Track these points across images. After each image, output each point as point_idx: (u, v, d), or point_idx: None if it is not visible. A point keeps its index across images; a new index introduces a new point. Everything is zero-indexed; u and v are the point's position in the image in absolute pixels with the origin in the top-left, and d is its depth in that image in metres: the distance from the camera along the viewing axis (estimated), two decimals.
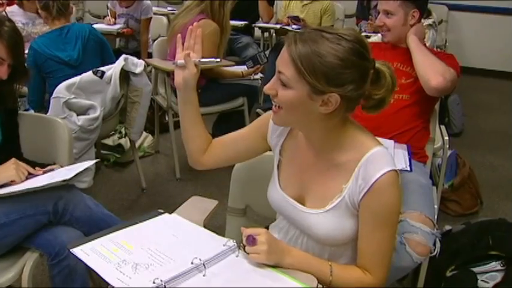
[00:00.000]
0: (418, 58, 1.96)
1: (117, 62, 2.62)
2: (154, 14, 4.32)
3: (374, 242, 1.15)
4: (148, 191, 3.13)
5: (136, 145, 3.68)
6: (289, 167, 1.29)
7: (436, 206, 1.95)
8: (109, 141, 3.54)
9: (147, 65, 3.11)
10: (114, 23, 4.13)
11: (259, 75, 3.35)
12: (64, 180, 1.64)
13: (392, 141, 1.85)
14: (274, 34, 4.81)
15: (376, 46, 2.19)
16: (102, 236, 1.22)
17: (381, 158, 1.12)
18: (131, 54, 2.80)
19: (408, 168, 1.63)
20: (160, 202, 2.99)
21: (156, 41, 3.47)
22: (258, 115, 2.16)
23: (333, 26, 4.21)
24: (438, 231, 1.71)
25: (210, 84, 3.20)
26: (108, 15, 4.23)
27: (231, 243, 1.20)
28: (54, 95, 2.46)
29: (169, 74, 3.05)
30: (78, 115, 2.51)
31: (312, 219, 1.19)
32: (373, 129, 1.94)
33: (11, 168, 1.65)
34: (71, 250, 1.16)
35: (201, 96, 3.10)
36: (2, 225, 1.62)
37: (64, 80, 2.51)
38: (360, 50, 1.08)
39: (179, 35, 1.33)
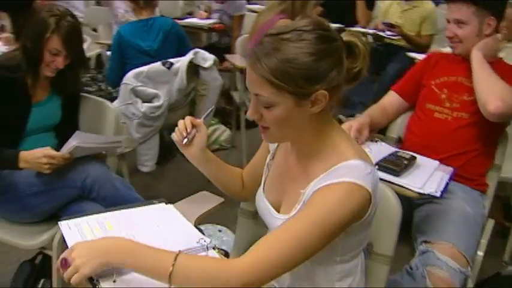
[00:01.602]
0: (477, 78, 1.72)
1: (186, 55, 2.70)
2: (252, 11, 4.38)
3: (283, 229, 0.99)
4: (212, 183, 3.17)
5: (213, 138, 3.78)
6: (274, 170, 1.23)
7: (483, 241, 1.71)
8: None
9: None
10: (208, 18, 4.26)
11: None
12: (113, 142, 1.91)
13: (436, 163, 1.68)
14: (370, 39, 4.61)
15: (444, 57, 1.99)
16: (96, 214, 1.27)
17: (352, 169, 1.01)
18: (223, 50, 2.90)
19: (437, 194, 1.46)
20: (220, 195, 3.02)
21: (239, 38, 3.51)
22: (340, 121, 2.07)
23: (433, 35, 3.92)
24: (468, 270, 1.50)
25: None
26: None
27: (205, 242, 1.17)
28: (123, 81, 2.60)
29: (242, 71, 3.07)
30: (143, 102, 2.63)
31: (279, 224, 1.11)
32: (424, 147, 1.81)
33: (43, 162, 1.71)
34: (58, 222, 1.22)
35: None
36: (40, 193, 1.77)
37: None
38: (325, 35, 1.00)
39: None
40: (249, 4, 4.79)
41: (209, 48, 3.02)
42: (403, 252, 1.73)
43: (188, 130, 1.21)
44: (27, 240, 1.77)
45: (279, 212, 1.16)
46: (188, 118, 1.23)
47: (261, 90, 1.00)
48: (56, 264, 1.03)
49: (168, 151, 3.53)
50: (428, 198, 1.61)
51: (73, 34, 1.81)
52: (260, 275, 0.93)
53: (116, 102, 2.80)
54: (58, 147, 1.80)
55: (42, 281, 1.93)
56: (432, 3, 3.97)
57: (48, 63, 1.81)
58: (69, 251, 0.98)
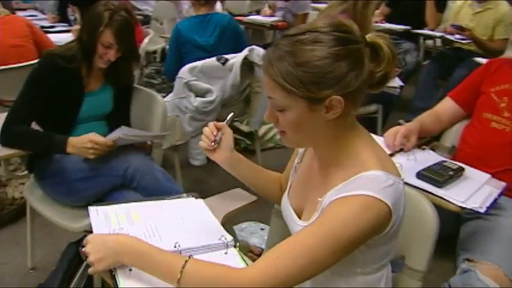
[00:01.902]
0: None
1: (241, 52, 2.70)
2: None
3: (295, 239, 0.96)
4: None
5: (269, 136, 3.77)
6: (300, 175, 1.20)
7: None
8: (243, 128, 3.68)
9: None
10: (272, 16, 4.25)
11: (398, 83, 3.11)
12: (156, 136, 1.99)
13: (488, 176, 1.57)
14: (438, 43, 4.41)
15: (507, 62, 1.85)
16: (126, 203, 1.30)
17: (371, 180, 0.95)
18: None
19: (481, 210, 1.36)
20: (254, 193, 3.00)
21: None
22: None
23: (507, 39, 3.67)
24: None
25: None
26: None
27: (227, 239, 1.16)
28: (178, 74, 2.65)
29: None
30: (196, 96, 2.66)
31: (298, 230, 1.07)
32: (477, 158, 1.70)
33: (88, 147, 1.78)
34: (88, 207, 1.26)
35: None
36: (85, 178, 1.84)
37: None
38: (342, 37, 0.95)
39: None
40: (314, 3, 4.73)
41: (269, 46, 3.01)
42: (446, 268, 1.64)
43: (214, 133, 1.20)
44: (74, 222, 1.84)
45: (300, 218, 1.13)
46: (212, 123, 1.22)
47: (274, 94, 0.98)
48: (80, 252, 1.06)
49: None
50: (476, 214, 1.50)
51: (125, 28, 1.86)
52: (269, 286, 0.91)
53: (170, 95, 2.86)
54: None
55: (85, 263, 2.01)
56: (507, 4, 3.72)
57: (101, 55, 1.87)
58: (85, 242, 1.02)
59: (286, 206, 1.18)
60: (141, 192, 1.80)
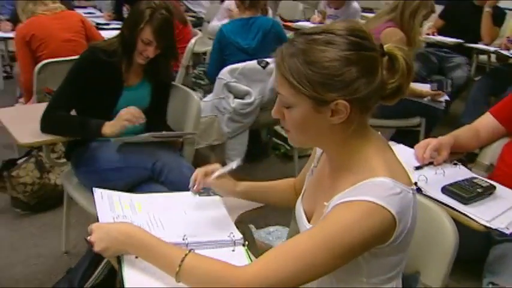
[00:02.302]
0: None
1: None
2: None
3: (295, 241, 0.94)
4: None
5: None
6: (313, 179, 1.18)
7: None
8: (283, 133, 3.68)
9: None
10: (321, 22, 4.23)
11: (444, 97, 3.02)
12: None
13: None
14: (493, 59, 4.24)
15: None
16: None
17: (377, 187, 0.93)
18: None
19: (508, 231, 1.30)
20: None
21: None
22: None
23: None
24: None
25: None
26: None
27: (235, 237, 1.17)
28: (219, 75, 2.69)
29: None
30: (234, 98, 2.69)
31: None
32: None
33: (123, 118, 1.87)
34: (93, 188, 1.30)
35: (377, 108, 3.03)
36: (116, 169, 1.92)
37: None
38: (356, 42, 0.94)
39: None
40: (365, 12, 4.67)
41: None
42: None
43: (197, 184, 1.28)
44: None
45: (310, 221, 1.12)
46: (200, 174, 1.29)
47: (282, 89, 0.98)
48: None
49: (262, 150, 3.58)
50: (508, 237, 1.44)
51: (165, 27, 1.91)
52: (265, 286, 0.90)
53: (210, 96, 2.91)
54: (144, 132, 1.93)
55: None
56: None
57: (141, 52, 1.93)
58: (90, 231, 1.05)
59: (299, 209, 1.18)
60: (168, 186, 1.84)
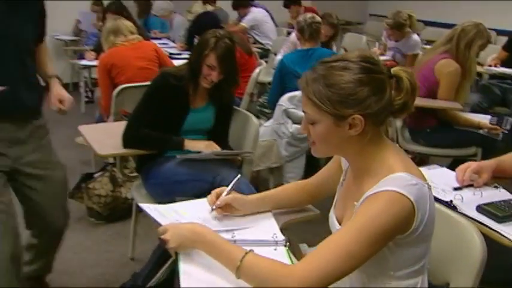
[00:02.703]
0: None
1: None
2: None
3: (332, 238, 1.08)
4: None
5: None
6: (343, 190, 1.33)
7: None
8: None
9: None
10: (381, 54, 4.34)
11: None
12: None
13: None
14: None
15: None
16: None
17: (395, 180, 1.08)
18: None
19: None
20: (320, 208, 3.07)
21: None
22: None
23: None
24: None
25: (440, 127, 3.09)
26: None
27: (278, 238, 1.32)
28: (279, 102, 2.88)
29: None
30: (293, 123, 2.86)
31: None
32: None
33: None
34: (139, 204, 1.50)
35: (431, 136, 3.10)
36: (180, 182, 2.13)
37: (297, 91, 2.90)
38: (367, 67, 1.11)
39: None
40: (426, 44, 4.73)
41: None
42: None
43: (214, 201, 1.43)
44: None
45: (340, 224, 1.26)
46: (213, 192, 1.46)
47: (307, 108, 1.16)
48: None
49: None
50: None
51: (227, 54, 2.13)
52: (315, 280, 1.04)
53: (270, 121, 3.10)
54: None
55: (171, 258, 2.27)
56: None
57: (205, 76, 2.16)
58: (162, 229, 1.24)
59: (332, 217, 1.32)
60: None
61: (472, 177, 1.68)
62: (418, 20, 7.06)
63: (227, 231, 1.34)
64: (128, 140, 2.18)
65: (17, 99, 1.72)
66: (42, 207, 1.92)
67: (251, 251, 1.13)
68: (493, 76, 4.09)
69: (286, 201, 1.53)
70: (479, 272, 1.24)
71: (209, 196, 1.46)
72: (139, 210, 2.43)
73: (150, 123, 2.19)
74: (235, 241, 1.28)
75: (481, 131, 2.98)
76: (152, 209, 1.48)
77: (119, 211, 3.06)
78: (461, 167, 1.73)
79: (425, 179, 1.14)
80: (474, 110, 3.65)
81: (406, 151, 3.11)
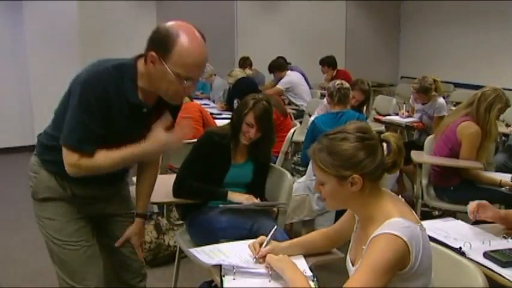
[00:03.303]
0: None
1: None
2: None
3: (351, 279, 1.33)
4: None
5: None
6: (355, 235, 1.58)
7: None
8: None
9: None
10: (409, 116, 4.58)
11: None
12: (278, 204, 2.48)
13: None
14: None
15: None
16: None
17: (391, 224, 1.33)
18: (422, 147, 3.37)
19: None
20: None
21: (428, 138, 3.73)
22: None
23: None
24: None
25: (464, 184, 3.27)
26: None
27: (307, 274, 1.56)
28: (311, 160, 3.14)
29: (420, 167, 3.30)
30: None
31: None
32: None
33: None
34: (187, 249, 1.76)
35: (454, 194, 3.29)
36: (222, 228, 2.38)
37: None
38: (361, 136, 1.40)
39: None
40: (454, 106, 4.95)
41: (409, 144, 3.35)
42: None
43: (257, 251, 1.69)
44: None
45: (353, 265, 1.51)
46: (256, 242, 1.74)
47: (316, 172, 1.46)
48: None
49: None
50: None
51: (264, 114, 2.46)
52: None
53: (303, 177, 3.36)
54: None
55: None
56: None
57: (245, 133, 2.47)
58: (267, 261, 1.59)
59: (348, 261, 1.57)
60: None
61: (475, 208, 1.99)
62: (448, 82, 7.39)
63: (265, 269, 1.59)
64: (178, 190, 2.48)
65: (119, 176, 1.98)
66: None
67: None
68: None
69: (311, 246, 1.78)
70: None
71: (251, 245, 1.73)
72: (182, 256, 2.71)
73: (197, 176, 2.49)
74: (270, 275, 1.53)
75: (502, 189, 3.14)
76: (200, 251, 1.75)
77: (162, 257, 3.33)
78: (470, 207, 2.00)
79: (418, 221, 1.38)
80: (500, 170, 3.79)
81: (432, 208, 3.32)
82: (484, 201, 2.03)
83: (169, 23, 1.63)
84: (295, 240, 1.82)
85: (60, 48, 6.42)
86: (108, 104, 1.66)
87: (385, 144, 1.46)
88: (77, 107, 1.66)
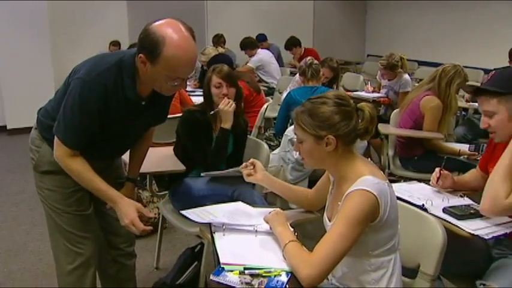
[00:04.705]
0: (496, 170, 1.86)
1: None
2: None
3: (329, 232, 1.50)
4: None
5: None
6: (331, 195, 1.75)
7: None
8: None
9: None
10: (375, 92, 4.81)
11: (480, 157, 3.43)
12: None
13: (507, 218, 1.88)
14: None
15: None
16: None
17: (363, 181, 1.49)
18: (388, 122, 3.54)
19: (487, 237, 1.74)
20: None
21: (393, 112, 3.95)
22: None
23: None
24: None
25: (427, 154, 3.52)
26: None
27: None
28: (285, 132, 3.32)
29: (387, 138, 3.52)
30: None
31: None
32: None
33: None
34: (181, 211, 1.94)
35: (418, 163, 3.48)
36: (204, 196, 2.52)
37: None
38: (338, 102, 1.57)
39: None
40: (418, 83, 5.20)
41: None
42: None
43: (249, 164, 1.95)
44: (191, 227, 2.47)
45: (330, 221, 1.67)
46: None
47: (297, 131, 1.63)
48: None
49: None
50: (504, 253, 1.89)
51: (227, 71, 2.68)
52: (327, 262, 1.44)
53: (277, 149, 3.53)
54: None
55: (195, 263, 2.66)
56: None
57: (217, 95, 2.66)
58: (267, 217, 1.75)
59: (324, 218, 1.73)
60: None
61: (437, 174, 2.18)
62: (413, 60, 7.67)
63: (250, 225, 1.75)
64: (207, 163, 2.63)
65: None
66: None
67: (294, 240, 1.56)
68: (477, 111, 4.52)
69: (290, 192, 2.00)
70: (441, 253, 1.64)
71: (245, 164, 2.03)
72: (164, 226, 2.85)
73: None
74: (256, 231, 1.70)
75: (461, 158, 3.40)
76: (190, 213, 1.90)
77: None
78: (434, 174, 2.19)
79: (385, 179, 1.56)
80: (460, 141, 4.07)
81: (399, 177, 3.55)
82: (446, 171, 2.20)
83: (157, 24, 1.66)
84: (282, 182, 2.04)
85: (30, 30, 6.36)
86: (108, 103, 1.76)
87: (360, 113, 1.61)
88: (76, 107, 1.75)
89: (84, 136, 1.82)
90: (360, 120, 1.60)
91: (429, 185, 2.32)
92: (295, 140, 1.67)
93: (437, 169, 2.22)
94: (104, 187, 1.87)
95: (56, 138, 1.83)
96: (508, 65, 4.98)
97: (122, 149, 2.15)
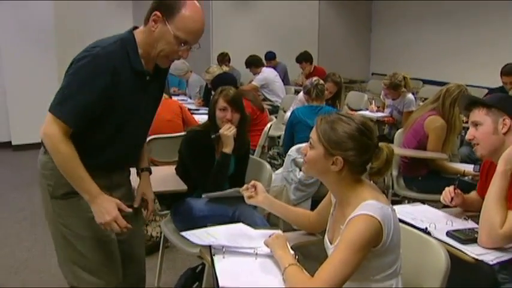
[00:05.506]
0: (487, 197, 1.86)
1: None
2: None
3: (331, 256, 1.46)
4: None
5: None
6: (332, 219, 1.73)
7: None
8: None
9: None
10: (380, 111, 4.80)
11: None
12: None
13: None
14: None
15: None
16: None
17: (367, 206, 1.47)
18: (392, 141, 3.52)
19: (491, 263, 1.71)
20: None
21: (397, 131, 3.95)
22: None
23: None
24: None
25: (431, 174, 3.49)
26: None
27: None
28: (288, 152, 3.31)
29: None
30: (300, 171, 3.27)
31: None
32: None
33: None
34: (181, 233, 1.92)
35: (422, 183, 3.45)
36: (205, 217, 2.51)
37: (305, 142, 3.35)
38: (362, 130, 1.54)
39: None
40: (423, 102, 5.19)
41: (380, 138, 3.50)
42: None
43: (250, 187, 1.95)
44: (192, 248, 2.45)
45: (331, 244, 1.65)
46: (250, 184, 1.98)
47: (313, 135, 1.60)
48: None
49: None
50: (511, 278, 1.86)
51: (234, 95, 2.66)
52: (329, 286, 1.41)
53: (281, 169, 3.52)
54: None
55: (196, 283, 2.63)
56: None
57: (221, 119, 2.64)
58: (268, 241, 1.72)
59: (325, 240, 1.71)
60: None
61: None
62: (417, 79, 7.67)
63: (251, 248, 1.73)
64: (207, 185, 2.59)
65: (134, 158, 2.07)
66: None
67: (295, 264, 1.53)
68: None
69: (292, 219, 1.96)
70: (445, 278, 1.62)
71: (246, 185, 1.99)
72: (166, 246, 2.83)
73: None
74: (256, 254, 1.67)
75: (466, 178, 3.36)
76: (191, 235, 1.88)
77: (145, 247, 3.42)
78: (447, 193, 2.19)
79: (389, 203, 1.54)
80: (465, 162, 4.03)
81: (402, 197, 3.52)
82: (458, 190, 2.19)
83: None
84: (282, 203, 2.02)
85: (36, 45, 6.38)
86: (116, 76, 1.72)
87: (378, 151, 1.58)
88: (82, 81, 1.67)
89: (84, 113, 1.71)
90: (375, 159, 1.58)
91: (433, 206, 2.30)
92: (300, 159, 1.64)
93: (451, 188, 2.20)
94: (88, 178, 1.74)
95: (48, 115, 1.70)
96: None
97: (129, 149, 1.98)
